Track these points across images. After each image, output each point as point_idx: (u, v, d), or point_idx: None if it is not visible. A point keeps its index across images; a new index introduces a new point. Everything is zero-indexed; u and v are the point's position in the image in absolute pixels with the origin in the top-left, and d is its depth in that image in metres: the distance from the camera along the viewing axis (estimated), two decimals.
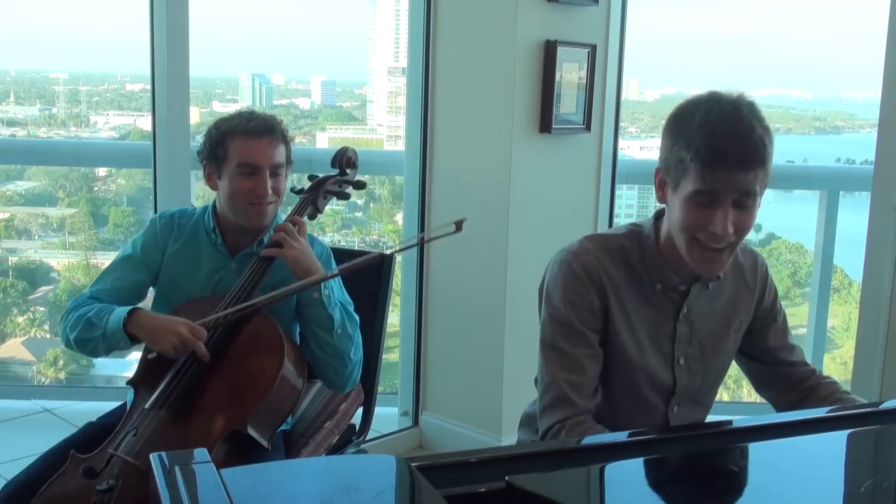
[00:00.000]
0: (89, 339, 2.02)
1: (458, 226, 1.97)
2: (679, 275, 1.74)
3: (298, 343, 2.16)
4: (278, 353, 1.94)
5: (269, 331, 1.99)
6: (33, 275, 4.57)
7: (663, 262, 1.73)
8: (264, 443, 1.93)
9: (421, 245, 1.89)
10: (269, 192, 2.05)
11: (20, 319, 4.50)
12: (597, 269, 1.72)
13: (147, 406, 1.93)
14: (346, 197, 2.27)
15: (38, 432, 3.45)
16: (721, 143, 1.56)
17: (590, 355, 1.72)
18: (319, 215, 2.24)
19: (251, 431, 1.90)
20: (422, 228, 3.48)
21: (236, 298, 2.00)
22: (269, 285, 2.07)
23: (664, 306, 1.76)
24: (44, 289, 4.61)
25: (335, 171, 2.25)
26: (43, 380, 4.45)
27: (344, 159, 2.24)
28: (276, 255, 2.03)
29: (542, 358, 1.75)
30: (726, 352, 1.83)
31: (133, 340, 1.99)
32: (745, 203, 1.60)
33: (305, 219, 2.16)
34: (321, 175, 2.25)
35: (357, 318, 2.13)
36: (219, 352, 1.97)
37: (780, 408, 1.89)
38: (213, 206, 2.16)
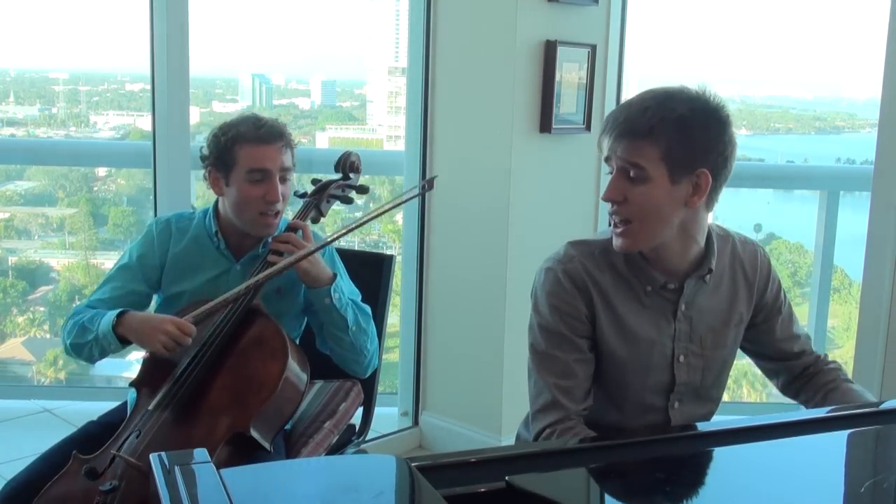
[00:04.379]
0: (83, 344, 2.04)
1: (430, 184, 2.02)
2: (664, 274, 1.74)
3: (300, 339, 2.18)
4: (282, 356, 1.95)
5: (272, 333, 1.99)
6: (33, 275, 4.56)
7: (645, 262, 1.73)
8: (267, 445, 1.93)
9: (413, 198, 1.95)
10: (280, 198, 2.06)
11: (20, 319, 4.49)
12: (581, 275, 1.72)
13: (150, 408, 1.93)
14: (349, 201, 2.28)
15: (38, 432, 3.45)
16: (612, 112, 1.68)
17: (579, 360, 1.72)
18: (323, 219, 2.25)
19: (254, 433, 1.90)
20: (421, 228, 3.48)
21: (238, 299, 2.00)
22: (273, 287, 2.08)
23: (661, 306, 1.76)
24: (44, 289, 4.61)
25: (338, 176, 2.25)
26: (43, 380, 4.45)
27: (348, 164, 2.25)
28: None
29: (532, 363, 1.76)
30: (726, 346, 1.83)
31: (123, 342, 1.99)
32: (631, 174, 1.65)
33: (309, 223, 2.16)
34: (324, 179, 2.25)
35: (368, 308, 2.15)
36: (222, 354, 1.97)
37: (786, 394, 1.92)
38: (215, 209, 2.15)
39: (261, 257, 2.09)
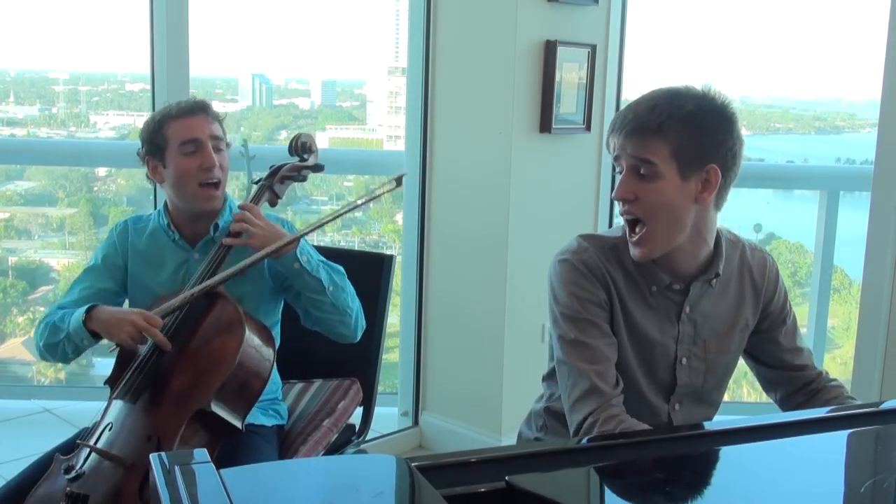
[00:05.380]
0: (56, 344, 2.06)
1: (399, 181, 2.02)
2: (670, 274, 1.74)
3: (279, 326, 2.20)
4: (239, 331, 1.95)
5: (229, 312, 2.00)
6: (33, 275, 4.56)
7: (652, 263, 1.73)
8: (237, 423, 1.94)
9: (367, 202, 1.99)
10: (217, 164, 2.08)
11: (20, 319, 4.49)
12: (599, 266, 1.73)
13: (115, 397, 1.96)
14: (303, 179, 2.28)
15: (38, 432, 3.46)
16: (620, 112, 1.69)
17: (608, 344, 1.72)
18: (280, 200, 2.25)
19: (216, 409, 1.90)
20: (421, 228, 3.49)
21: (197, 286, 2.02)
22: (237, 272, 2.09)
23: (665, 307, 1.76)
24: (44, 289, 4.61)
25: (294, 159, 2.26)
26: (43, 380, 4.45)
27: (299, 145, 2.27)
28: (241, 244, 2.04)
29: (563, 354, 1.73)
30: (730, 352, 1.82)
31: (95, 337, 2.00)
32: (642, 171, 1.64)
33: (266, 205, 2.18)
34: (279, 163, 2.26)
35: (341, 268, 2.14)
36: (183, 338, 1.99)
37: (784, 409, 1.90)
38: (165, 206, 2.19)
39: (216, 241, 2.10)
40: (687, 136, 1.62)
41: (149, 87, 3.05)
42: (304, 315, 2.15)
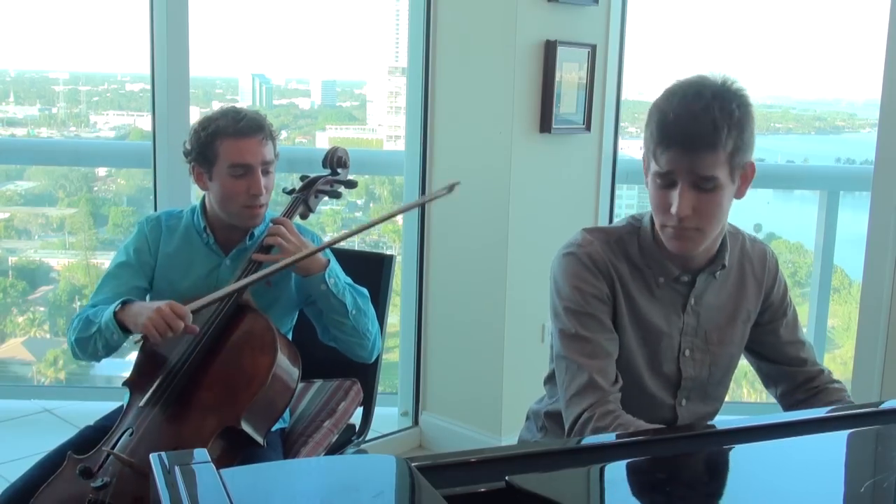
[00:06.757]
0: (88, 338, 2.02)
1: (451, 188, 1.97)
2: (681, 266, 1.74)
3: (291, 333, 2.19)
4: (271, 350, 1.95)
5: (262, 328, 2.00)
6: (33, 275, 4.56)
7: (661, 254, 1.73)
8: (259, 439, 1.94)
9: (421, 205, 1.98)
10: (263, 192, 2.06)
11: (20, 319, 4.49)
12: (603, 259, 1.72)
13: (142, 404, 1.94)
14: (337, 196, 2.28)
15: (38, 432, 3.46)
16: (672, 125, 1.58)
17: (609, 339, 1.72)
18: (312, 214, 2.25)
19: (245, 427, 1.90)
20: (421, 228, 3.48)
21: (229, 296, 2.01)
22: (264, 282, 2.08)
23: (671, 299, 1.75)
24: (44, 289, 4.60)
25: (326, 171, 2.25)
26: (43, 380, 4.45)
27: (335, 159, 2.25)
28: (272, 260, 2.03)
29: (562, 348, 1.72)
30: (734, 343, 1.82)
31: (125, 331, 1.98)
32: (703, 186, 1.60)
33: (297, 218, 2.17)
34: (313, 175, 2.25)
35: (365, 291, 2.15)
36: (212, 350, 1.98)
37: (784, 405, 1.89)
38: (202, 205, 2.16)
39: (249, 251, 2.09)
40: (738, 142, 1.59)
41: (149, 87, 3.05)
42: (323, 332, 2.16)
